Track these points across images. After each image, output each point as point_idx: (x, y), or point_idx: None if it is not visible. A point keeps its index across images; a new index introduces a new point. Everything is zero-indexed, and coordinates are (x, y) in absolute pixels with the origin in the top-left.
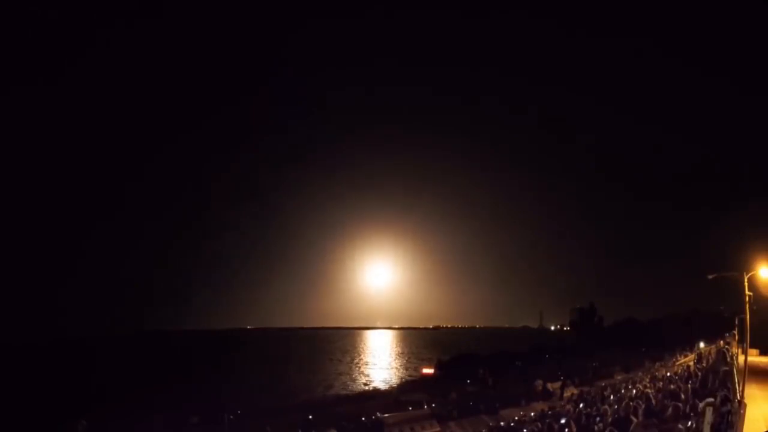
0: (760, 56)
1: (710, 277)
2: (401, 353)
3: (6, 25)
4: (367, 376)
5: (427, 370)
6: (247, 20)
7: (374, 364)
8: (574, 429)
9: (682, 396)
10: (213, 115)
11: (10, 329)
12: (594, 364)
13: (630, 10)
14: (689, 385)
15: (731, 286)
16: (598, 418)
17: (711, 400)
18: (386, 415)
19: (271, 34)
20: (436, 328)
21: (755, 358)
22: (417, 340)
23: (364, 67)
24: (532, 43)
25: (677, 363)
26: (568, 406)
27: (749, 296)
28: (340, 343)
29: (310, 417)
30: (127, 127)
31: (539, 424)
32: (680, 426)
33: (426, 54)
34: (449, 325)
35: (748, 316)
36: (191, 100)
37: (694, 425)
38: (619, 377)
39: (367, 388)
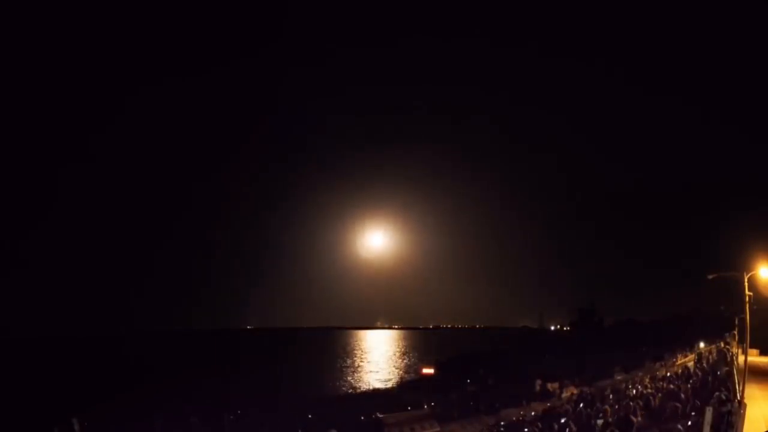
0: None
1: (710, 277)
2: (401, 353)
3: None
4: (367, 376)
5: (427, 370)
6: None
7: (374, 364)
8: (574, 429)
9: (682, 396)
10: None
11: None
12: (594, 365)
13: (601, 31)
14: (689, 385)
15: (731, 286)
16: (599, 415)
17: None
18: (386, 415)
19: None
20: (436, 328)
21: (755, 358)
22: (417, 340)
23: (371, 87)
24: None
25: (677, 363)
26: (568, 406)
27: (749, 296)
28: (340, 342)
29: (310, 417)
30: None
31: (539, 424)
32: (680, 426)
33: (425, 76)
34: (449, 325)
35: (748, 316)
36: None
37: (694, 425)
38: (619, 377)
39: (367, 388)
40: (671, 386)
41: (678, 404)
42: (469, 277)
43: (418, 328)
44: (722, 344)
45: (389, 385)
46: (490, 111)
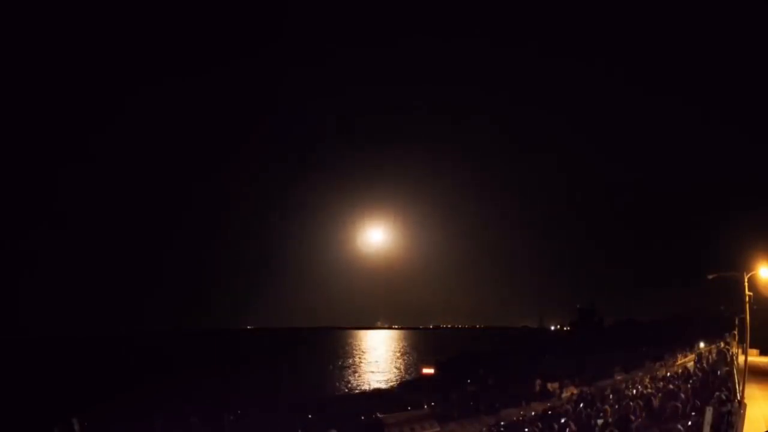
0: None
1: (710, 276)
2: (401, 353)
3: None
4: (367, 376)
5: (427, 370)
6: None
7: (374, 364)
8: (574, 429)
9: (682, 396)
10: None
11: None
12: (594, 364)
13: (601, 31)
14: (689, 385)
15: (731, 286)
16: (599, 415)
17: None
18: (386, 415)
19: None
20: (436, 328)
21: (755, 358)
22: (417, 340)
23: (375, 87)
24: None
25: (677, 363)
26: (568, 406)
27: (749, 296)
28: (340, 342)
29: (310, 417)
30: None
31: (539, 424)
32: (680, 426)
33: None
34: (449, 325)
35: (748, 316)
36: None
37: (694, 425)
38: (619, 377)
39: (367, 388)
40: (671, 386)
41: (678, 404)
42: (469, 277)
43: (418, 328)
44: (722, 344)
45: (389, 385)
46: (490, 111)
